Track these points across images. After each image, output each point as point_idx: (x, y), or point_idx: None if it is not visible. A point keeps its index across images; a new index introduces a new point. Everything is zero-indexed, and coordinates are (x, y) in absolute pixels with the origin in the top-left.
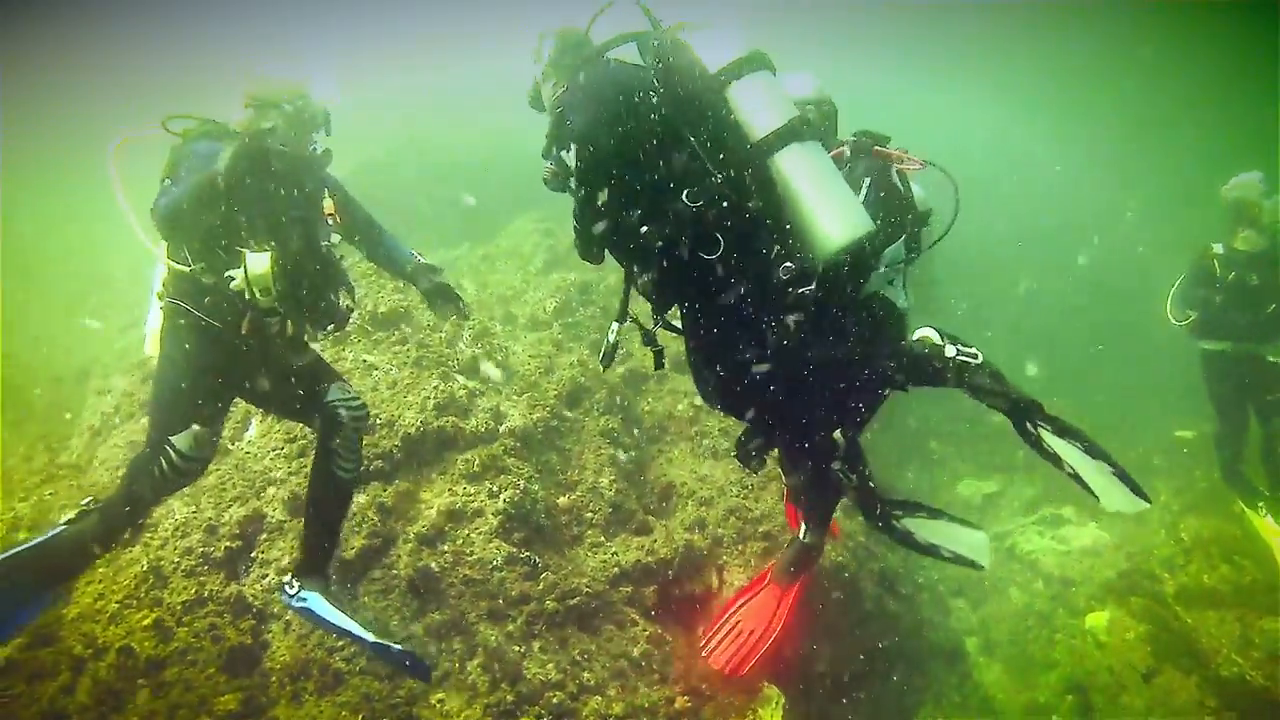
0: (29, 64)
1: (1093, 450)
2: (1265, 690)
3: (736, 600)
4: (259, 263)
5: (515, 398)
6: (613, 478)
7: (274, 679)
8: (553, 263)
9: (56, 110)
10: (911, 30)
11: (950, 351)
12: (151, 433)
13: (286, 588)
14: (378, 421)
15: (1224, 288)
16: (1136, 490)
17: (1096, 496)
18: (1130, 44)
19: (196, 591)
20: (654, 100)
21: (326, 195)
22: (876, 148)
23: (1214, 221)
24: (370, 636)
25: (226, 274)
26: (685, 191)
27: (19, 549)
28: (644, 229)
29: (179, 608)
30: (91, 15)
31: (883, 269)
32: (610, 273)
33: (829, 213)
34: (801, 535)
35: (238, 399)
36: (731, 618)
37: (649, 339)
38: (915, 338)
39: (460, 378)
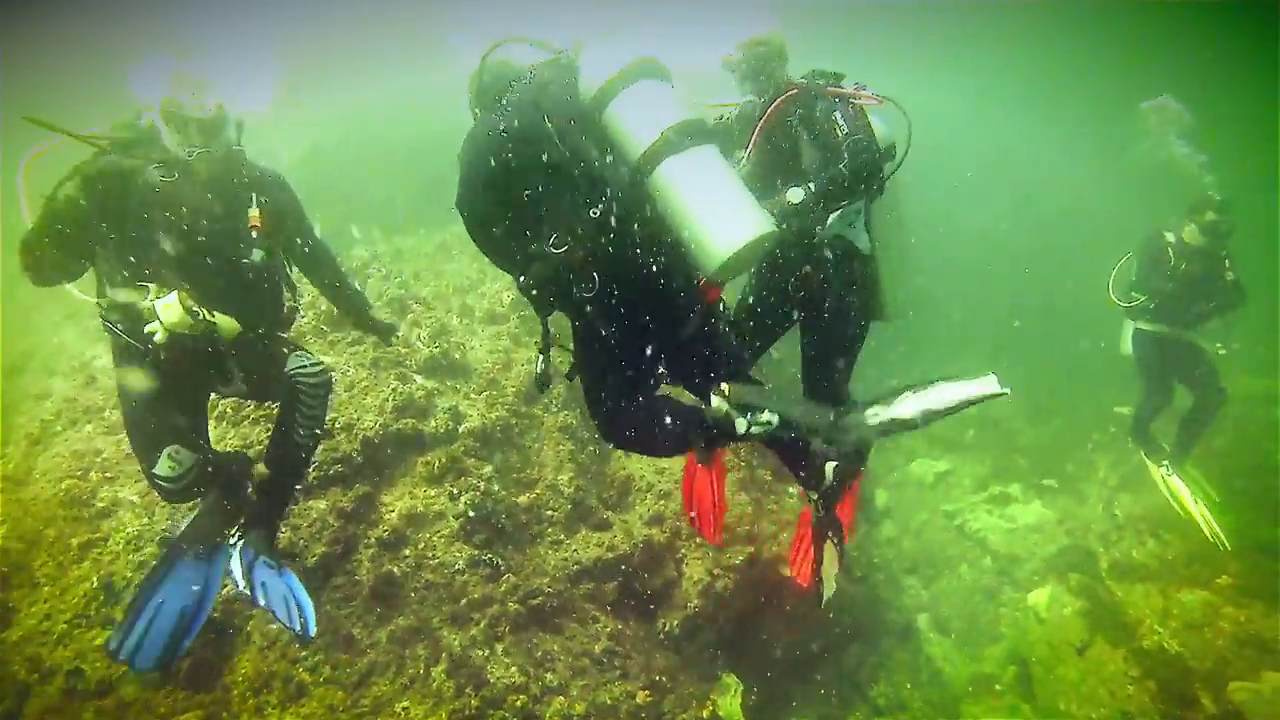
0: (27, 59)
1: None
2: (1179, 658)
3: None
4: (169, 311)
5: (474, 396)
6: (572, 474)
7: (235, 692)
8: None
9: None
10: (914, 28)
11: (741, 427)
12: (141, 466)
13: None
14: (336, 425)
15: (1174, 276)
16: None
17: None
18: (1130, 44)
19: None
20: (532, 142)
21: (253, 204)
22: (830, 87)
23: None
24: (261, 601)
25: (139, 308)
26: (552, 238)
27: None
28: (523, 276)
29: None
30: (91, 16)
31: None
32: None
33: (717, 219)
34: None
35: (211, 396)
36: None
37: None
38: (710, 408)
39: (418, 378)
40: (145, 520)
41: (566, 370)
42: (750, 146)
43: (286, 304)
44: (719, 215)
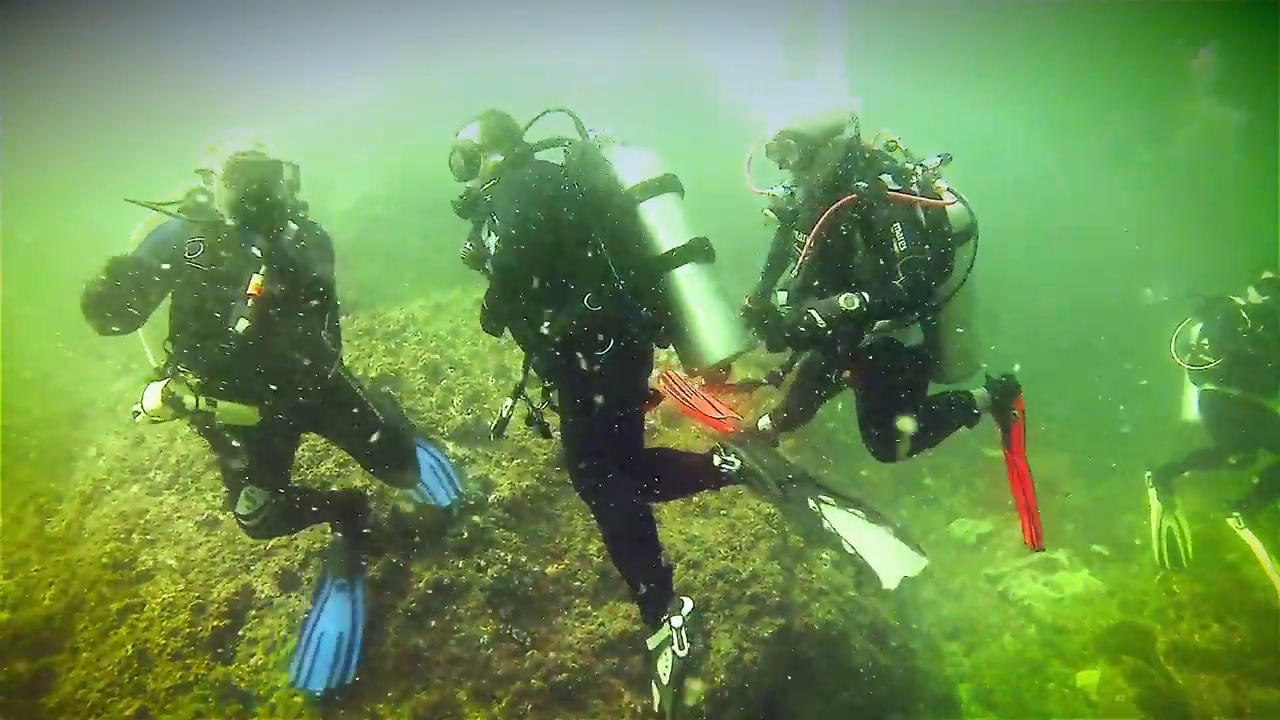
0: (26, 66)
1: (873, 515)
2: None
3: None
4: (150, 398)
5: (505, 464)
6: (601, 544)
7: None
8: None
9: (55, 114)
10: (924, 32)
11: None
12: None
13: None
14: (368, 491)
15: (1251, 339)
16: (916, 549)
17: (879, 578)
18: (1130, 44)
19: (182, 676)
20: (572, 204)
21: (260, 273)
22: (892, 191)
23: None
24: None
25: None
26: (587, 296)
27: None
28: (546, 323)
29: (163, 694)
30: (91, 18)
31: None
32: None
33: (713, 331)
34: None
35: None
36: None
37: (534, 419)
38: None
39: (449, 445)
40: (181, 586)
41: (528, 418)
42: (805, 254)
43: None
44: (715, 325)
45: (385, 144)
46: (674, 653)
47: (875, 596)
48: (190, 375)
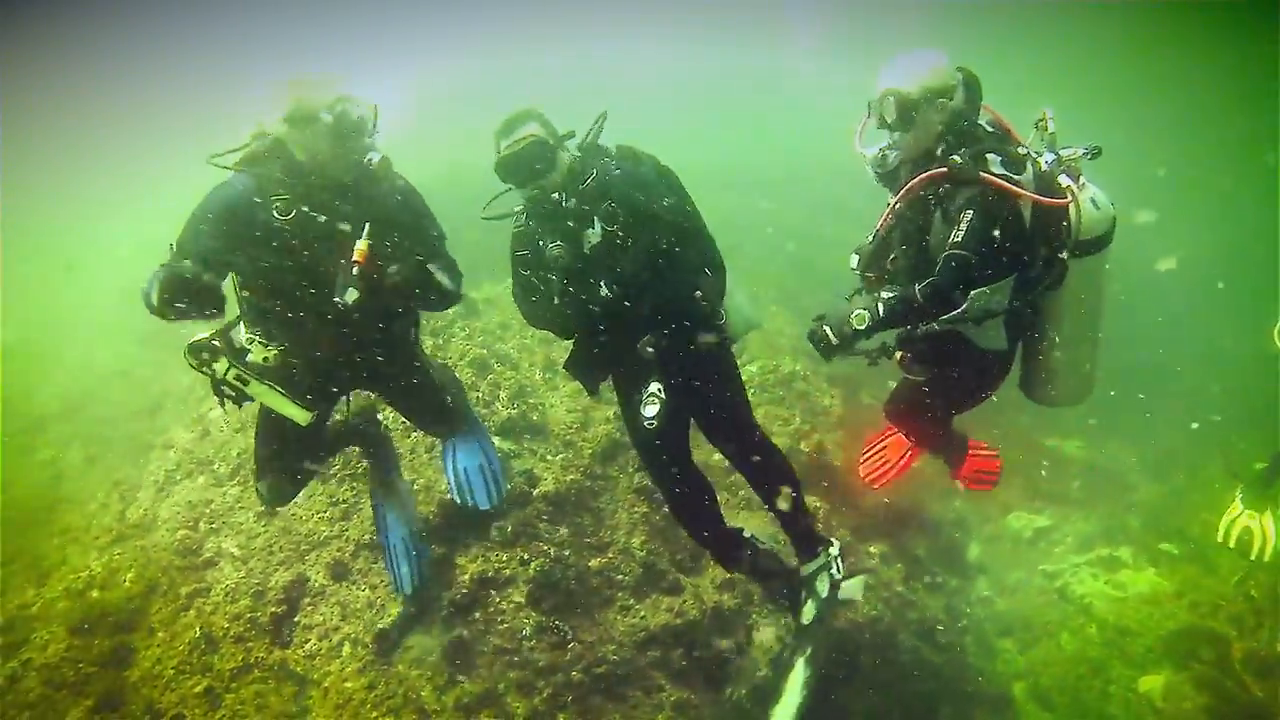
0: (26, 68)
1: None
2: None
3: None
4: (193, 347)
5: (550, 458)
6: (644, 537)
7: None
8: None
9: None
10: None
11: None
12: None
13: None
14: (416, 485)
15: None
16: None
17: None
18: (1129, 44)
19: (243, 658)
20: None
21: (364, 236)
22: (987, 175)
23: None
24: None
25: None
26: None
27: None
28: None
29: (227, 674)
30: (90, 21)
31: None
32: None
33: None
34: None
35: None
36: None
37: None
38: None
39: (496, 439)
40: (242, 573)
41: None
42: (881, 221)
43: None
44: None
45: (432, 135)
46: (831, 575)
47: (924, 591)
48: (264, 344)
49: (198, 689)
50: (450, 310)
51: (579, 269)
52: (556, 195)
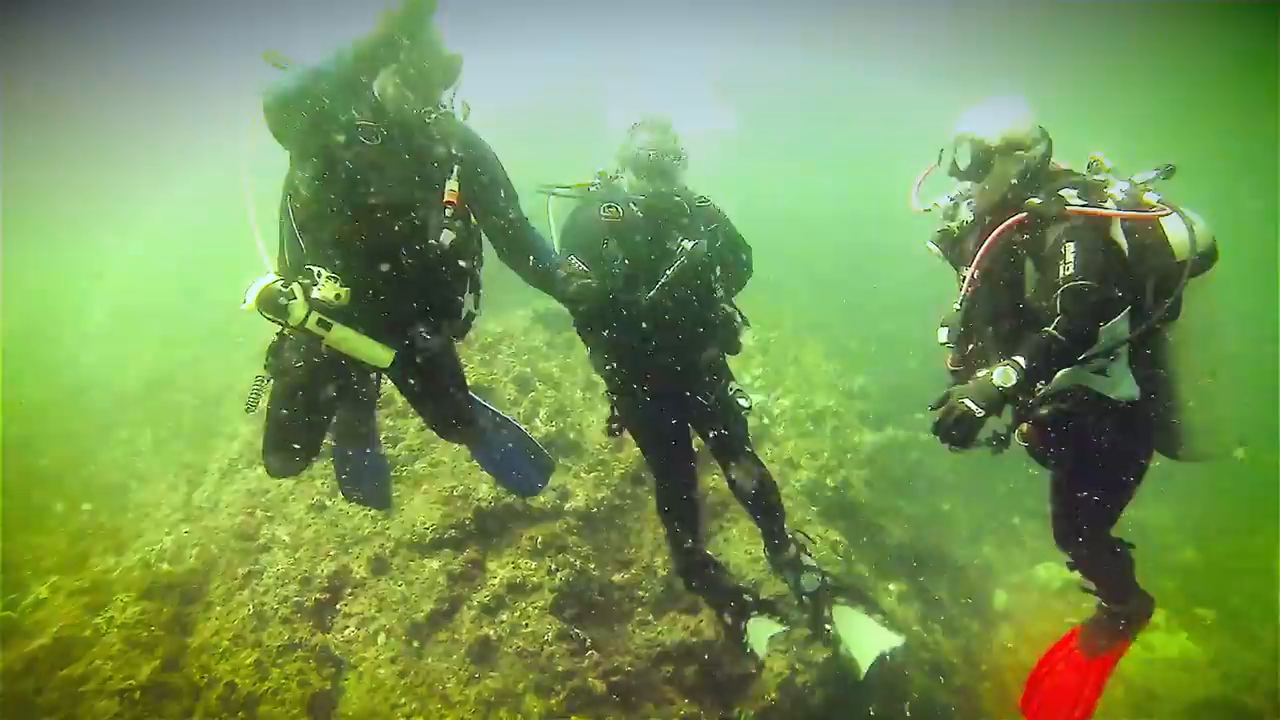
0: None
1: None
2: None
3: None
4: (254, 292)
5: (583, 475)
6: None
7: None
8: None
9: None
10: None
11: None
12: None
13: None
14: (454, 492)
15: None
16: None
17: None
18: (1129, 44)
19: (289, 637)
20: None
21: (453, 178)
22: (1074, 206)
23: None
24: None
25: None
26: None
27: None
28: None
29: (275, 650)
30: (89, 27)
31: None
32: None
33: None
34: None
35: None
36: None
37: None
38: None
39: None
40: (292, 560)
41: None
42: (967, 287)
43: (465, 309)
44: None
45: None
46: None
47: (941, 633)
48: (334, 284)
49: (248, 661)
50: (499, 328)
51: (644, 269)
52: (676, 200)
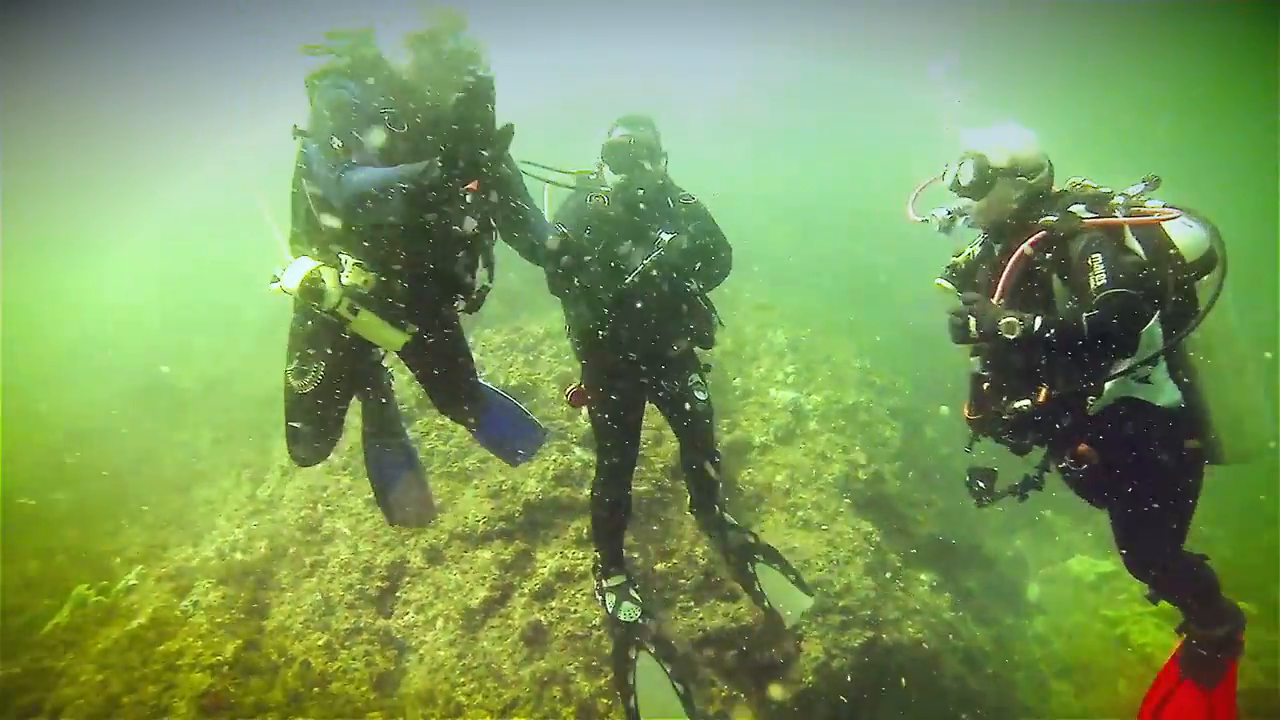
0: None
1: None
2: None
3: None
4: (293, 275)
5: None
6: (706, 547)
7: (408, 704)
8: None
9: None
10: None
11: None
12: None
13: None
14: (504, 486)
15: None
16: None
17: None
18: (1129, 45)
19: (354, 622)
20: None
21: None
22: (1089, 218)
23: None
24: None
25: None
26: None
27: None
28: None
29: (342, 633)
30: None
31: (1125, 366)
32: (725, 338)
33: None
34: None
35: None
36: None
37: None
38: None
39: (577, 449)
40: (352, 552)
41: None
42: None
43: (480, 284)
44: None
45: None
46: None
47: (974, 623)
48: (361, 269)
49: (319, 642)
50: (540, 329)
51: (620, 256)
52: (653, 193)
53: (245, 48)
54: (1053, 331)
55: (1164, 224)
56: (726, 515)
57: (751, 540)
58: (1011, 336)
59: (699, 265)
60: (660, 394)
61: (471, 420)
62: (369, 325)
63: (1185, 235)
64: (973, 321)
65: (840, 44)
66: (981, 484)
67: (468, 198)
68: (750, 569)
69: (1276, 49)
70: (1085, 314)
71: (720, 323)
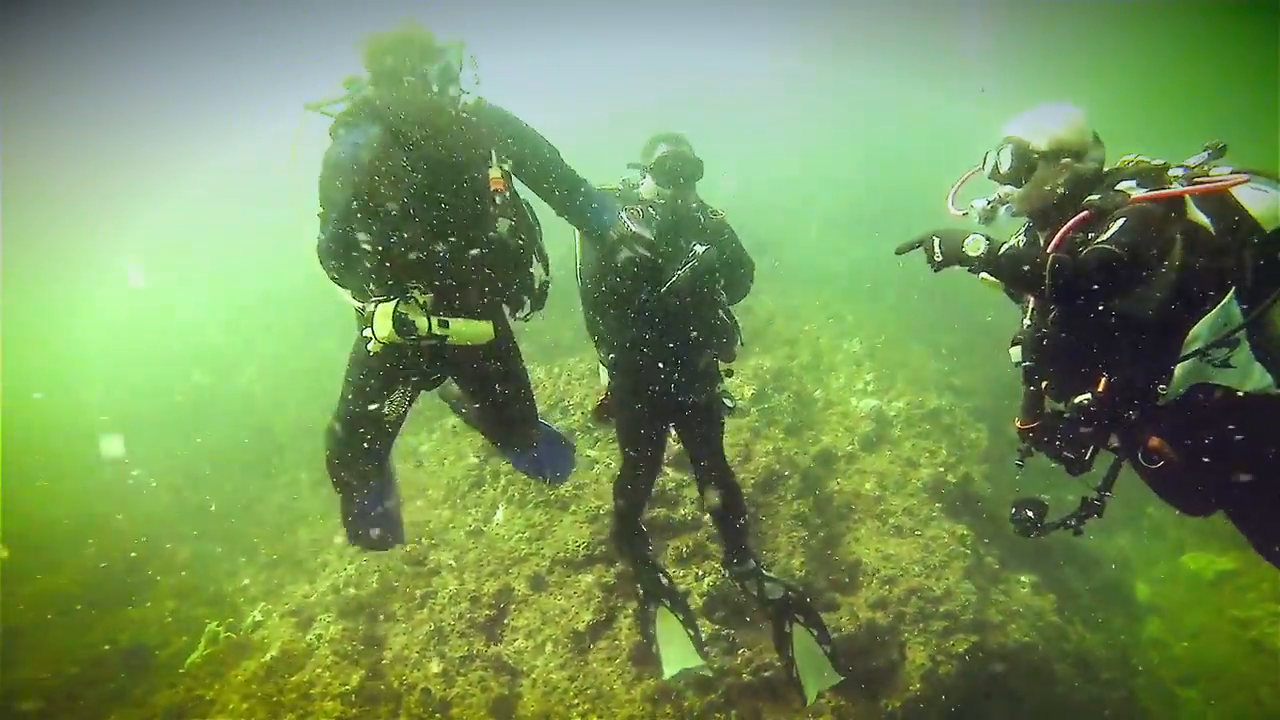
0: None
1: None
2: None
3: None
4: (380, 325)
5: None
6: (803, 559)
7: None
8: (748, 346)
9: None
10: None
11: None
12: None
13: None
14: (601, 510)
15: None
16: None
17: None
18: (1129, 45)
19: (467, 650)
20: None
21: (494, 163)
22: (1136, 195)
23: None
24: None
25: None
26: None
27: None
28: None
29: (457, 661)
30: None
31: (1196, 347)
32: (802, 351)
33: None
34: None
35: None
36: None
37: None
38: None
39: (669, 470)
40: (459, 582)
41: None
42: (1032, 304)
43: (538, 279)
44: None
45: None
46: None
47: (1082, 625)
48: (420, 293)
49: (435, 670)
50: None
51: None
52: (692, 206)
53: (257, 49)
54: (1010, 255)
55: (1232, 190)
56: (763, 569)
57: (792, 596)
58: (975, 254)
59: (727, 278)
60: (686, 405)
61: (530, 444)
62: (460, 330)
63: (1261, 201)
64: (936, 243)
65: (887, 46)
66: (1031, 514)
67: (497, 199)
68: (787, 629)
69: (1277, 49)
70: (1054, 254)
71: (741, 341)
